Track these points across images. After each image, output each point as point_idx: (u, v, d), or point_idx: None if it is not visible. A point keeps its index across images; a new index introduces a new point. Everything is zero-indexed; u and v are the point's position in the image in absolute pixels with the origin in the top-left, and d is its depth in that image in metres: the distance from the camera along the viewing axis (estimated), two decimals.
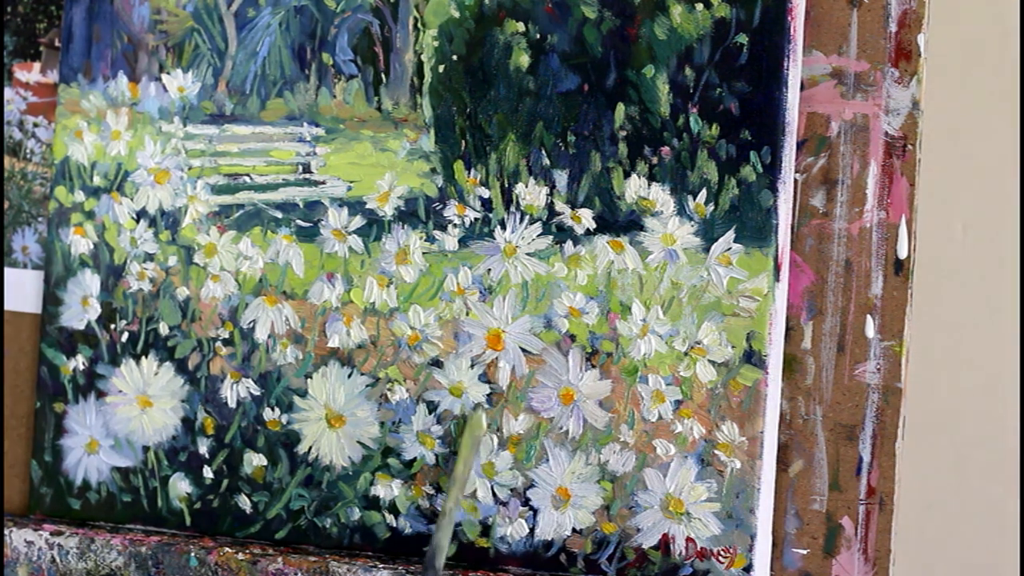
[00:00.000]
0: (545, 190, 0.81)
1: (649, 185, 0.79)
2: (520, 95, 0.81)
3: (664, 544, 0.79)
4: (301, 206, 0.85)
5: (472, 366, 0.82)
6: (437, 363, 0.82)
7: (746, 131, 0.77)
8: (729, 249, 0.77)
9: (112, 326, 0.88)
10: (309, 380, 0.85)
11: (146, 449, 0.88)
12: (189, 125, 0.87)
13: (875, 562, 0.77)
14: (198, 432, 0.86)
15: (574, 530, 0.80)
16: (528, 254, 0.81)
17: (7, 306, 0.91)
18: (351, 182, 0.84)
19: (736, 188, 0.77)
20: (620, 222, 0.79)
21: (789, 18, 0.77)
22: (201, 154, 0.87)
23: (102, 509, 0.88)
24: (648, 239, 0.79)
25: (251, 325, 0.86)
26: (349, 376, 0.84)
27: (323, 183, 0.85)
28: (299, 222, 0.85)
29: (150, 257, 0.87)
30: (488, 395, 0.81)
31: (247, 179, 0.86)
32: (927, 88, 0.77)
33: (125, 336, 0.88)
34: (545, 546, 0.81)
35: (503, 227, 0.81)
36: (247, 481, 0.86)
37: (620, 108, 0.79)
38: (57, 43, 0.91)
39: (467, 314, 0.82)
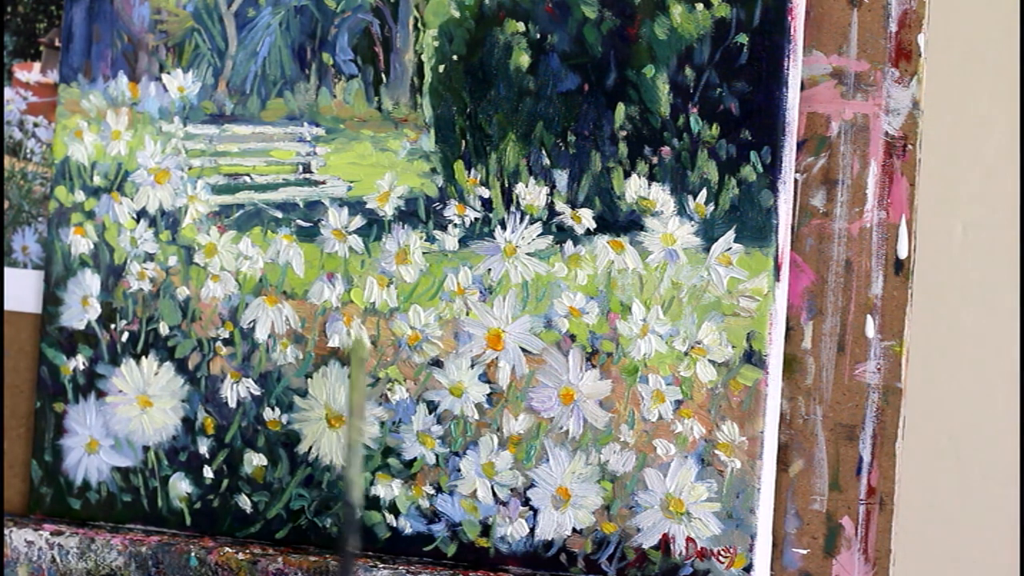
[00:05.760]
0: (545, 190, 0.81)
1: (649, 185, 0.79)
2: (520, 95, 0.81)
3: (664, 544, 0.79)
4: (301, 206, 0.85)
5: (472, 366, 0.82)
6: (437, 363, 0.82)
7: (746, 131, 0.77)
8: (729, 249, 0.77)
9: (112, 326, 0.88)
10: (309, 380, 0.85)
11: (146, 449, 0.88)
12: (189, 125, 0.87)
13: (875, 562, 0.77)
14: (198, 432, 0.87)
15: (574, 530, 0.80)
16: (528, 254, 0.81)
17: (7, 306, 0.91)
18: (351, 182, 0.84)
19: (736, 188, 0.77)
20: (620, 222, 0.79)
21: (789, 18, 0.77)
22: (201, 154, 0.87)
23: (102, 509, 0.88)
24: (648, 239, 0.79)
25: (251, 325, 0.86)
26: (349, 376, 0.84)
27: (323, 183, 0.85)
28: (299, 222, 0.85)
29: (150, 257, 0.87)
30: (488, 395, 0.81)
31: (247, 179, 0.86)
32: (927, 88, 0.77)
33: (125, 336, 0.88)
34: (545, 546, 0.81)
35: (503, 227, 0.81)
36: (247, 481, 0.86)
37: (620, 108, 0.79)
38: (57, 43, 0.91)
39: (467, 314, 0.82)
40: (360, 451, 0.81)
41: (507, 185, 0.81)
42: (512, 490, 0.81)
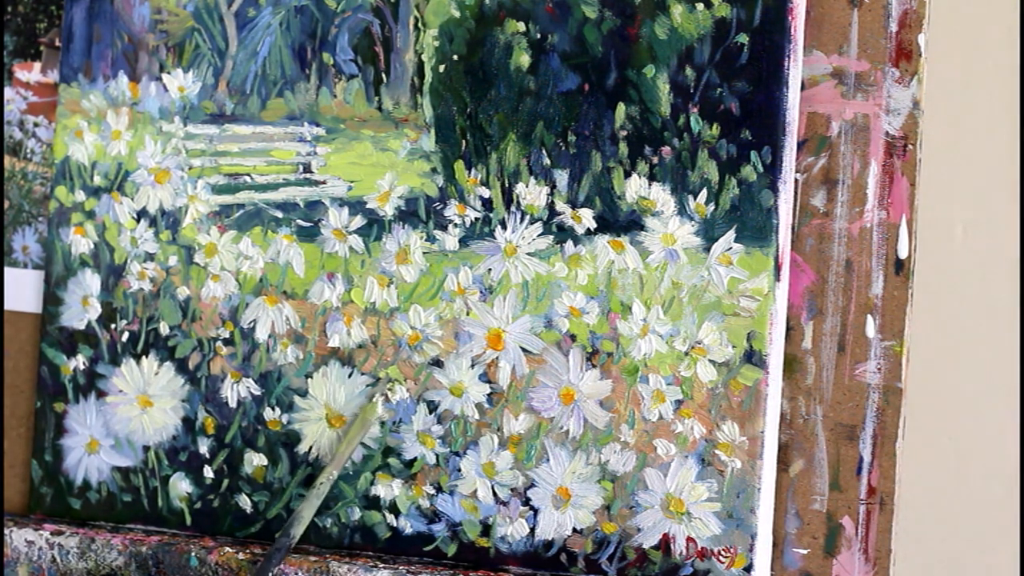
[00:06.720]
0: (545, 190, 0.81)
1: (649, 185, 0.79)
2: (520, 95, 0.81)
3: (664, 544, 0.79)
4: (301, 206, 0.85)
5: (472, 366, 0.82)
6: (437, 363, 0.82)
7: (746, 131, 0.77)
8: (729, 249, 0.78)
9: (112, 326, 0.88)
10: (309, 380, 0.85)
11: (146, 449, 0.88)
12: (189, 125, 0.87)
13: (875, 562, 0.77)
14: (198, 432, 0.86)
15: (574, 530, 0.80)
16: (528, 254, 0.81)
17: (7, 306, 0.91)
18: (351, 182, 0.84)
19: (736, 188, 0.77)
20: (620, 222, 0.79)
21: (789, 18, 0.77)
22: (201, 154, 0.87)
23: (102, 509, 0.88)
24: (648, 239, 0.79)
25: (251, 325, 0.86)
26: (349, 376, 0.84)
27: (323, 183, 0.85)
28: (299, 222, 0.85)
29: (150, 257, 0.87)
30: (488, 395, 0.81)
31: (247, 179, 0.86)
32: (927, 88, 0.77)
33: (125, 336, 0.88)
34: (545, 546, 0.81)
35: (503, 227, 0.81)
36: (247, 481, 0.86)
37: (620, 108, 0.79)
38: (57, 43, 0.91)
39: (467, 314, 0.82)
40: (323, 494, 0.82)
41: (507, 185, 0.81)
42: (512, 490, 0.81)
